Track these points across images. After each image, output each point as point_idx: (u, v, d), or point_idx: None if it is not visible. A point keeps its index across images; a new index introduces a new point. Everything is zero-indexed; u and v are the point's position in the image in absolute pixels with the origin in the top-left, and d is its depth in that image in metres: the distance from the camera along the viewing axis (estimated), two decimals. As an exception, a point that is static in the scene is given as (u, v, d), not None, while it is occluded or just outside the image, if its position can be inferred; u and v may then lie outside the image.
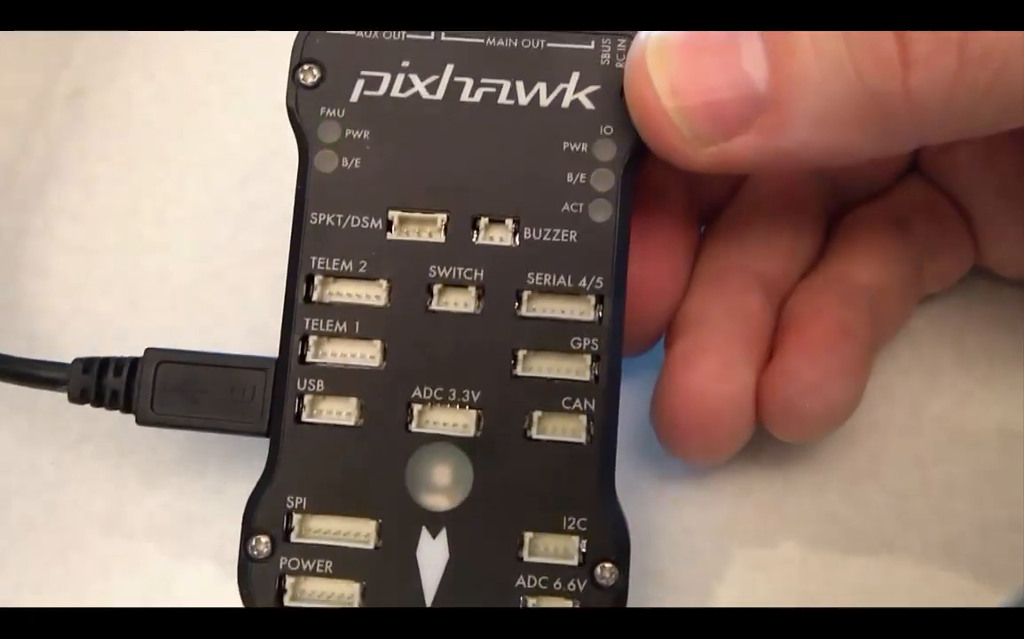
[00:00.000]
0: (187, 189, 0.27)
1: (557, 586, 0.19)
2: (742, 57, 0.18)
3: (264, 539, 0.19)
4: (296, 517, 0.19)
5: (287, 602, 0.19)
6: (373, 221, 0.20)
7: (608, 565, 0.19)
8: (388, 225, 0.20)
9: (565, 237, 0.19)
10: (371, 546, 0.19)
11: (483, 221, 0.20)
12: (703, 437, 0.21)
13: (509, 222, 0.20)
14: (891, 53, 0.17)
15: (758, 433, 0.22)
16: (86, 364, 0.21)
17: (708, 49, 0.18)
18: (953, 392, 0.24)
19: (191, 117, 0.28)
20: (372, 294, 0.20)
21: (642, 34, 0.19)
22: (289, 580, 0.19)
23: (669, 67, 0.18)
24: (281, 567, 0.19)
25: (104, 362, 0.21)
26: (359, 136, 0.20)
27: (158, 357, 0.21)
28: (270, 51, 0.22)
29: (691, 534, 0.23)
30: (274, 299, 0.20)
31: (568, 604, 0.19)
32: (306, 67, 0.20)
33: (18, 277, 0.27)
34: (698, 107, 0.18)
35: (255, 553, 0.19)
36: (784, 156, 0.19)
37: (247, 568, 0.19)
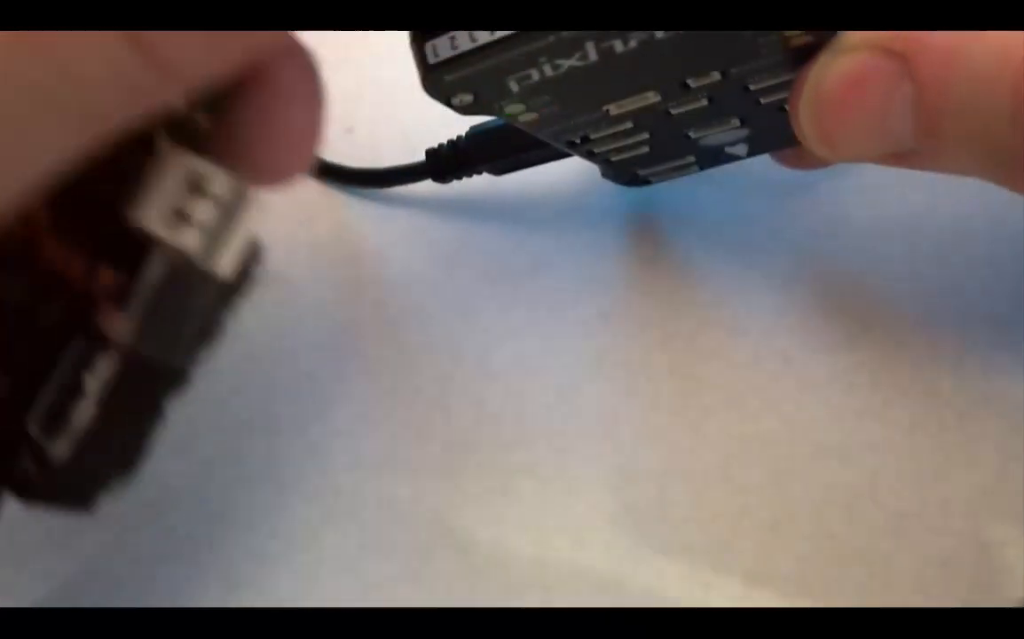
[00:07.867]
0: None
1: None
2: (890, 116, 0.19)
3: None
4: None
5: None
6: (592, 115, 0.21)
7: None
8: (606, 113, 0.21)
9: None
10: None
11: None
12: None
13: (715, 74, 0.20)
14: None
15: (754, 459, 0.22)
16: None
17: (859, 110, 0.19)
18: (950, 411, 0.24)
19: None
20: None
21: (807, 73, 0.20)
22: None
23: (821, 125, 0.20)
24: None
25: None
26: (541, 99, 0.20)
27: None
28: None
29: (691, 551, 0.23)
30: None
31: None
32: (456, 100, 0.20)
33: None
34: (849, 157, 0.20)
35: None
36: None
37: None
